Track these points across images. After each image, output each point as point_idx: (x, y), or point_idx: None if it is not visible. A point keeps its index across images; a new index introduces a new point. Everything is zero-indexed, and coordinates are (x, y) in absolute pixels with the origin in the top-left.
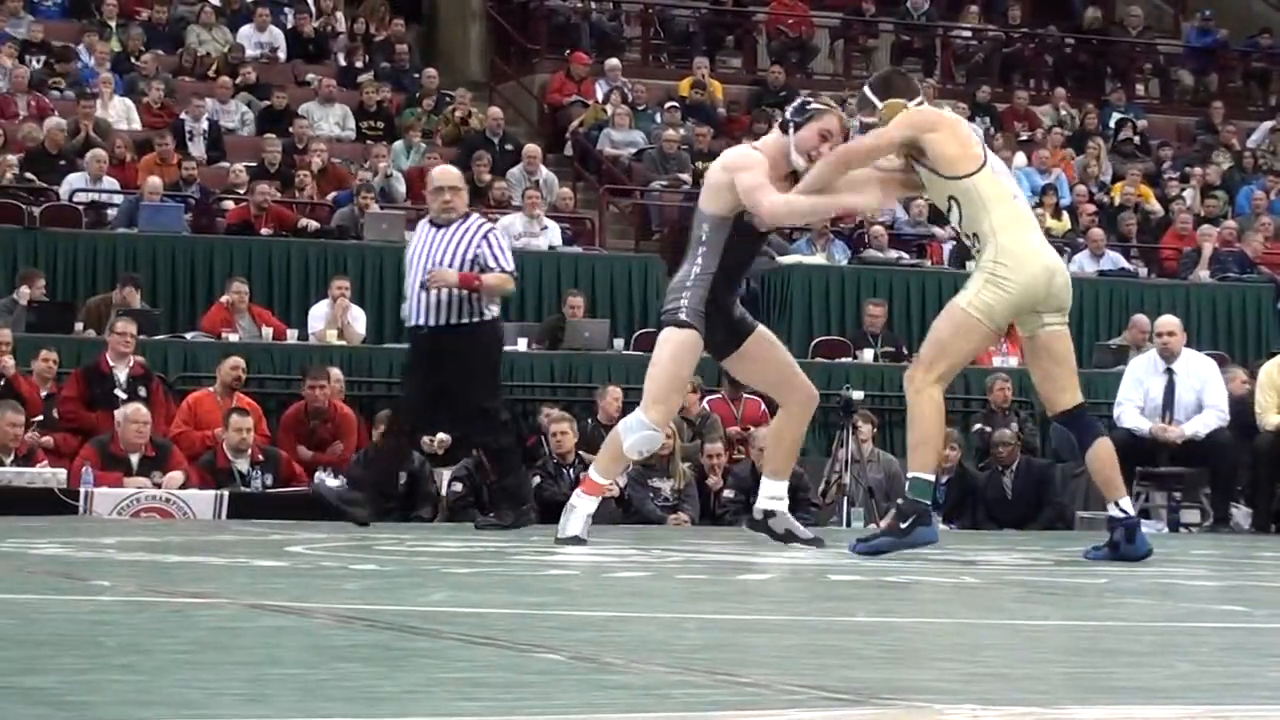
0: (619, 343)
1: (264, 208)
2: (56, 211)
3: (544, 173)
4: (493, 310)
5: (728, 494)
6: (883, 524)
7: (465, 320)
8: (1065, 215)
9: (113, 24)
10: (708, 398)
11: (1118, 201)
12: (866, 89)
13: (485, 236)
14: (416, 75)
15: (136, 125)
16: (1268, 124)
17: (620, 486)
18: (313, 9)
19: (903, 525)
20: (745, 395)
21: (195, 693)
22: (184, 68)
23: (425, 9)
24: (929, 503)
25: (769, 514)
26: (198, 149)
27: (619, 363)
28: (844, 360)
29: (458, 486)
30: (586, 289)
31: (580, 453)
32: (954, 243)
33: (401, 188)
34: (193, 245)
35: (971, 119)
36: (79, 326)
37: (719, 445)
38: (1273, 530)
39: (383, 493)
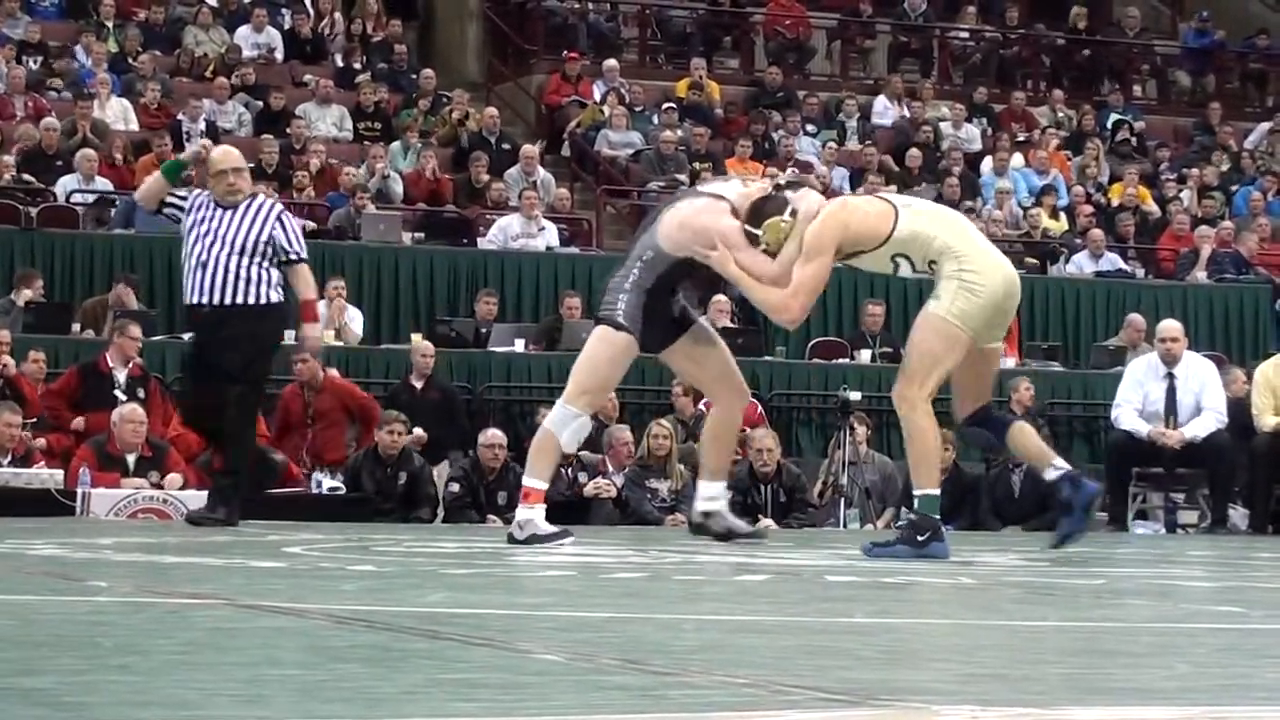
0: None
1: None
2: (53, 212)
3: (541, 173)
4: (277, 294)
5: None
6: (879, 524)
7: (248, 301)
8: (1063, 216)
9: (110, 24)
10: (704, 399)
11: (1115, 202)
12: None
13: (279, 219)
14: (414, 76)
15: (134, 126)
16: (1265, 125)
17: (618, 487)
18: (310, 10)
19: (920, 539)
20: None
21: (192, 693)
22: (181, 68)
23: (422, 10)
24: (939, 517)
25: (707, 514)
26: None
27: None
28: (841, 361)
29: (455, 487)
30: (584, 290)
31: (578, 453)
32: None
33: (399, 188)
34: None
35: (969, 120)
36: (76, 327)
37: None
38: (1270, 531)
39: (258, 484)
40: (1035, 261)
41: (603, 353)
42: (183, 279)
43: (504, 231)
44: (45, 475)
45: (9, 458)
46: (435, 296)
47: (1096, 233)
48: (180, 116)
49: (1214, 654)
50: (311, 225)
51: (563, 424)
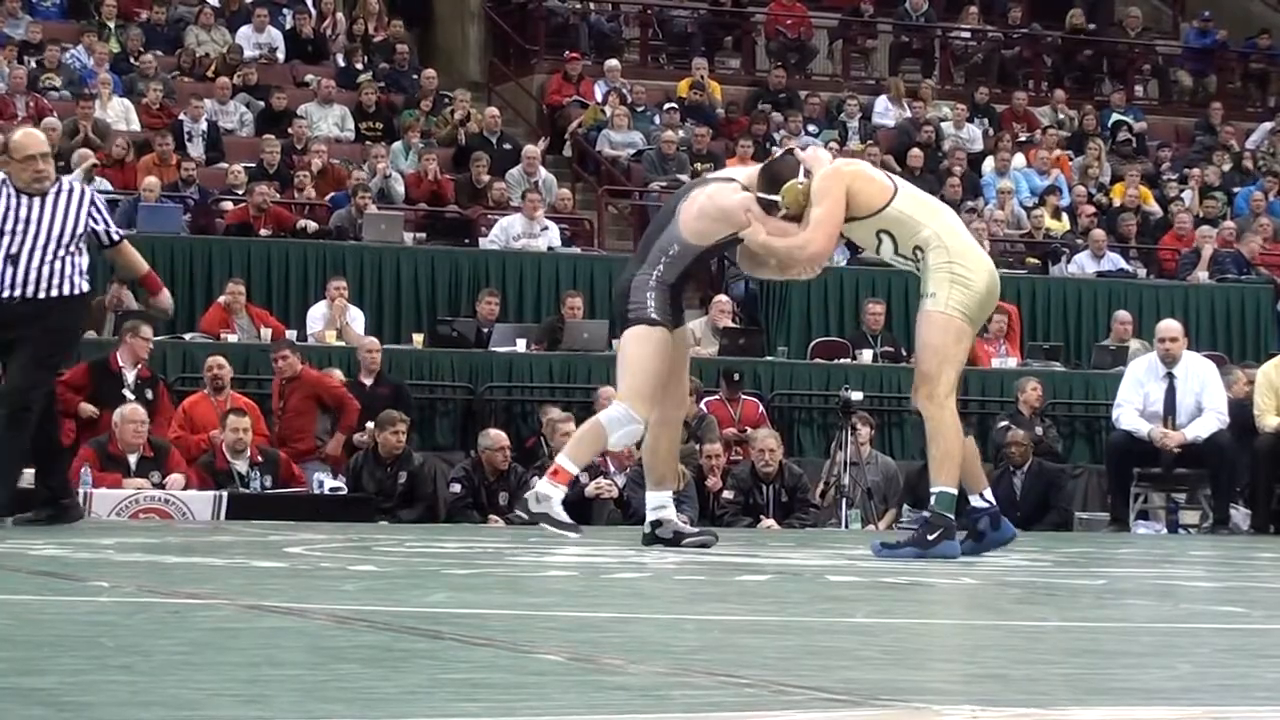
0: (617, 344)
1: (264, 209)
2: None
3: (543, 174)
4: (86, 282)
5: (727, 495)
6: (881, 524)
7: (63, 293)
8: (1064, 216)
9: (111, 25)
10: (705, 399)
11: (1117, 203)
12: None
13: (94, 204)
14: (415, 76)
15: (135, 126)
16: (1267, 125)
17: (620, 487)
18: (311, 10)
19: (930, 537)
20: (743, 396)
21: (194, 694)
22: (183, 68)
23: (423, 10)
24: (953, 516)
25: (655, 524)
26: (196, 150)
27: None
28: (843, 361)
29: (456, 487)
30: (585, 290)
31: None
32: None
33: (400, 188)
34: (191, 246)
35: (971, 120)
36: None
37: (717, 446)
38: (1272, 531)
39: (48, 488)
40: (1037, 261)
41: (644, 352)
42: None
43: (505, 232)
44: None
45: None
46: (437, 296)
47: (1098, 233)
48: (182, 116)
49: (1216, 654)
50: (314, 226)
51: (618, 425)
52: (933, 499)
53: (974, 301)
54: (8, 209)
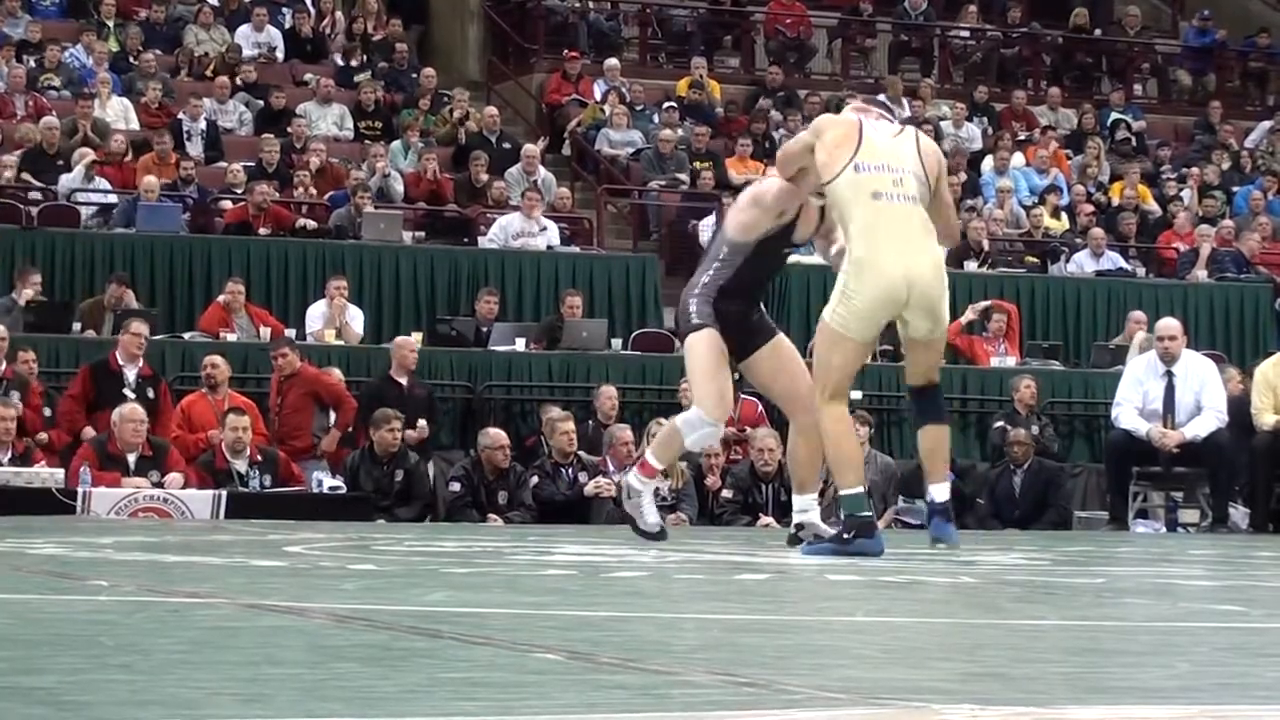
0: (617, 343)
1: (264, 208)
2: (54, 211)
3: (542, 173)
4: None
5: (726, 494)
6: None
7: None
8: (1063, 215)
9: (110, 24)
10: None
11: (1116, 201)
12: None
13: None
14: (414, 75)
15: (134, 125)
16: (1266, 124)
17: (619, 486)
18: (310, 9)
19: (845, 536)
20: (743, 395)
21: (193, 692)
22: (182, 67)
23: (422, 9)
24: (867, 514)
25: (799, 527)
26: (195, 149)
27: (617, 362)
28: None
29: (455, 486)
30: (584, 289)
31: (579, 453)
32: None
33: (399, 187)
34: (190, 245)
35: (970, 119)
36: (76, 327)
37: (717, 445)
38: (1271, 530)
39: None
40: (1036, 260)
41: (698, 357)
42: None
43: (504, 230)
44: (46, 474)
45: (9, 455)
46: (436, 295)
47: (1097, 232)
48: (181, 115)
49: (1214, 653)
50: (313, 225)
51: (692, 428)
52: (840, 504)
53: (856, 318)
54: None
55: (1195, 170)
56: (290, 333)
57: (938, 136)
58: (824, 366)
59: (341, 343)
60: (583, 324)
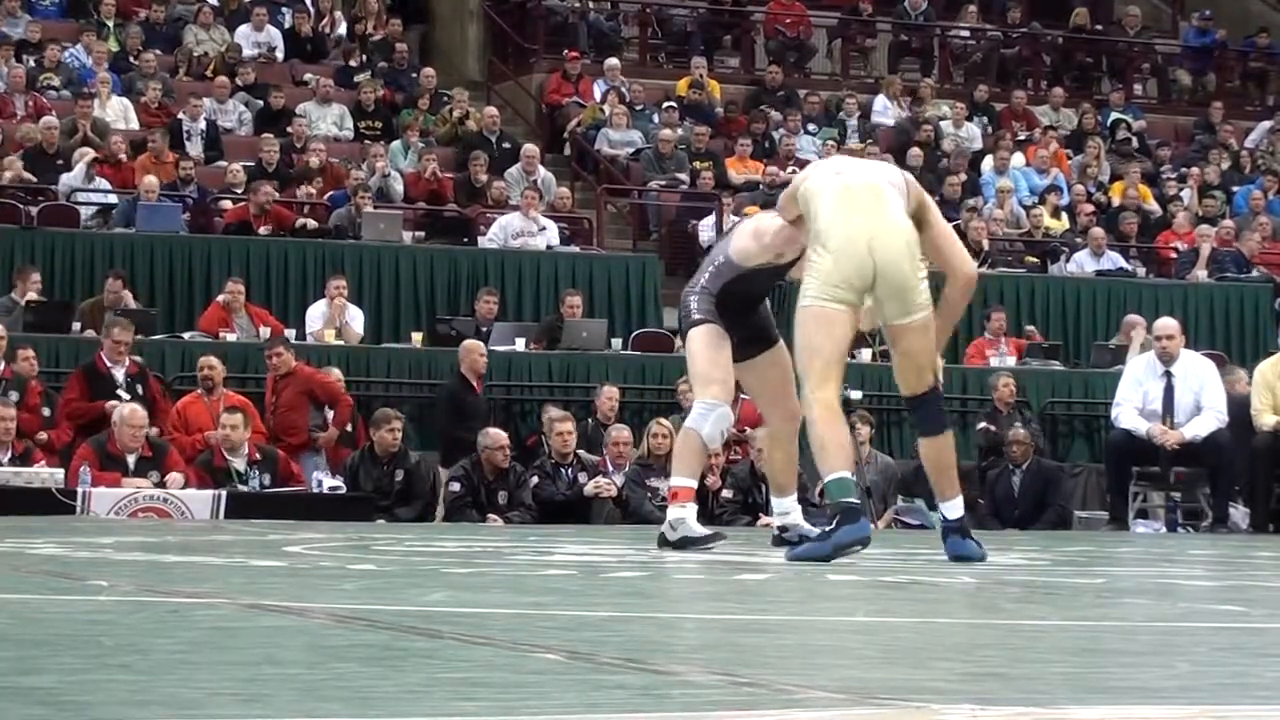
0: (617, 342)
1: (265, 208)
2: (54, 211)
3: (542, 172)
4: None
5: (726, 494)
6: (880, 524)
7: None
8: (1063, 215)
9: (110, 23)
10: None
11: (1116, 201)
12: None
13: None
14: (414, 75)
15: (134, 125)
16: (1266, 124)
17: (618, 486)
18: (310, 9)
19: (827, 529)
20: (742, 396)
21: (193, 692)
22: (181, 67)
23: (422, 9)
24: (852, 500)
25: (782, 529)
26: (195, 149)
27: (617, 362)
28: None
29: (455, 486)
30: (584, 289)
31: (579, 452)
32: None
33: (399, 187)
34: (190, 245)
35: (970, 119)
36: (76, 326)
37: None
38: (1271, 530)
39: None
40: (1036, 260)
41: (700, 347)
42: None
43: (504, 230)
44: (45, 474)
45: (9, 454)
46: (436, 295)
47: (1097, 231)
48: (181, 115)
49: (1214, 653)
50: (313, 225)
51: (702, 419)
52: (824, 490)
53: (824, 279)
54: None
55: (1195, 170)
56: (290, 333)
57: (938, 136)
58: (808, 350)
59: (341, 343)
60: (583, 324)
